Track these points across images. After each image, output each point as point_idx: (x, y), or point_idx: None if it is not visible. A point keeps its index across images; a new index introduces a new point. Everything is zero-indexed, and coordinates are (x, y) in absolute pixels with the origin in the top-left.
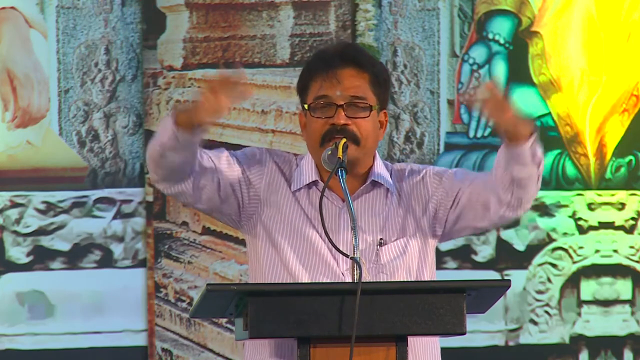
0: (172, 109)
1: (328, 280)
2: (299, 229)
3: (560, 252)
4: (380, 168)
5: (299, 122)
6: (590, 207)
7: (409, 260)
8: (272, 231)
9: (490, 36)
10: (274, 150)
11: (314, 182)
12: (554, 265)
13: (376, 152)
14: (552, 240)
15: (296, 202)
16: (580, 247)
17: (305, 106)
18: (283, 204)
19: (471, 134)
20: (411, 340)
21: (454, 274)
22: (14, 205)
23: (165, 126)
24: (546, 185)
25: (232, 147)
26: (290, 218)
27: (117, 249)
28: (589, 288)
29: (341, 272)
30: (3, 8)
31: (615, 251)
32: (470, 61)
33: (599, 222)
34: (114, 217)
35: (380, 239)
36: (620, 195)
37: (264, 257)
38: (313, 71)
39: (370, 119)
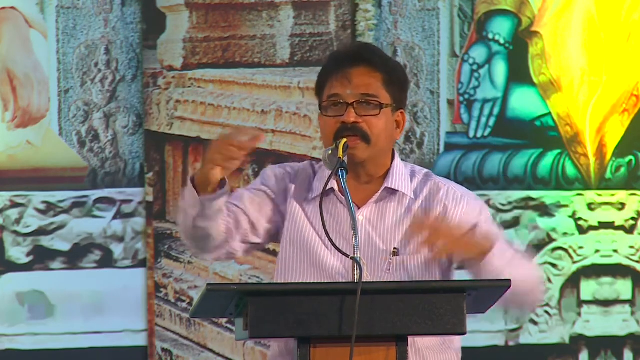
0: (190, 177)
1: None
2: (307, 238)
3: (560, 252)
4: (398, 173)
5: (319, 122)
6: (590, 207)
7: (427, 277)
8: (288, 243)
9: (490, 36)
10: (289, 165)
11: (331, 190)
12: (554, 265)
13: (397, 154)
14: (552, 240)
15: (311, 211)
16: (580, 247)
17: (321, 106)
18: (299, 215)
19: (471, 134)
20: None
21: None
22: (14, 205)
23: (187, 196)
24: (546, 185)
25: None
26: (302, 228)
27: (117, 249)
28: (589, 288)
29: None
30: (3, 8)
31: (615, 251)
32: (470, 61)
33: (599, 222)
34: (114, 217)
35: (395, 248)
36: (620, 195)
37: (277, 269)
38: (327, 72)
39: (382, 117)
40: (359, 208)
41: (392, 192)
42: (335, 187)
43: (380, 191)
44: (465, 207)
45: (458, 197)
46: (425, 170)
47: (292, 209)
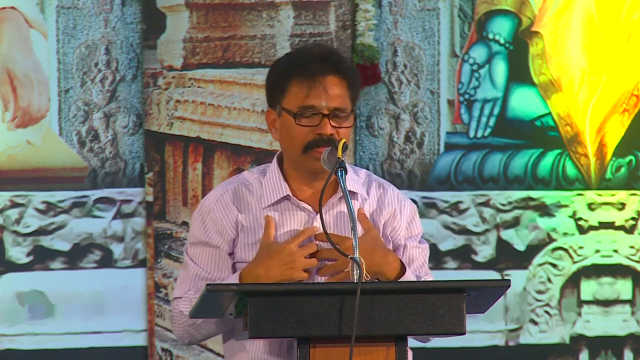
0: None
1: None
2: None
3: (560, 252)
4: (350, 174)
5: (267, 119)
6: (591, 207)
7: None
8: (245, 260)
9: (491, 36)
10: (222, 190)
11: (286, 197)
12: (554, 265)
13: None
14: (552, 240)
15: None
16: (581, 247)
17: (289, 113)
18: (256, 228)
19: (471, 134)
20: None
21: (454, 274)
22: (14, 205)
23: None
24: (546, 185)
25: (232, 147)
26: (259, 240)
27: (117, 249)
28: (589, 288)
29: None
30: (3, 8)
31: (615, 251)
32: (471, 61)
33: (599, 222)
34: (114, 217)
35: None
36: (621, 195)
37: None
38: (292, 74)
39: (351, 126)
40: (317, 213)
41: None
42: (290, 193)
43: (340, 194)
44: (408, 212)
45: (402, 200)
46: (364, 170)
47: (245, 227)
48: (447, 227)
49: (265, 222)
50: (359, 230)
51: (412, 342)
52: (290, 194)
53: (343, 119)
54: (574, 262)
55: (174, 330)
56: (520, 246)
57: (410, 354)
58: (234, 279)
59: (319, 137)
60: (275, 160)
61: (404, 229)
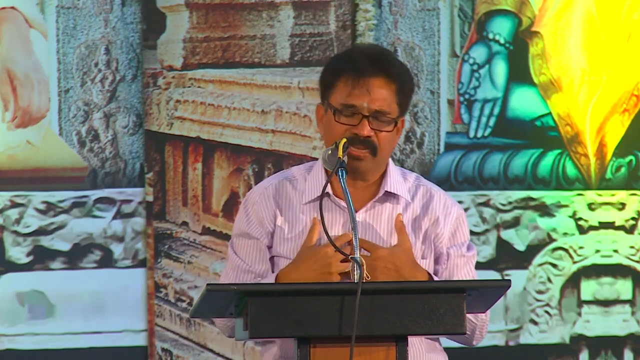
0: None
1: None
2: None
3: (560, 252)
4: (394, 176)
5: (316, 113)
6: (591, 207)
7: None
8: (286, 251)
9: (491, 36)
10: (265, 185)
11: (327, 194)
12: (554, 265)
13: (390, 158)
14: (552, 240)
15: (306, 217)
16: (581, 247)
17: (332, 109)
18: (293, 224)
19: (471, 134)
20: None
21: None
22: (14, 205)
23: None
24: (546, 185)
25: (232, 147)
26: (298, 235)
27: (117, 249)
28: (589, 288)
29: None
30: (3, 8)
31: (615, 251)
32: (471, 61)
33: (599, 222)
34: (114, 217)
35: None
36: (621, 195)
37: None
38: (341, 71)
39: (392, 131)
40: (356, 212)
41: (389, 194)
42: (331, 192)
43: (379, 195)
44: (453, 219)
45: (448, 207)
46: (414, 174)
47: (284, 221)
48: None
49: (311, 224)
50: (394, 240)
51: (448, 342)
52: (331, 192)
53: (384, 122)
54: (574, 262)
55: (217, 324)
56: (520, 246)
57: (445, 356)
58: (270, 280)
59: (355, 136)
60: (321, 157)
61: (446, 236)
